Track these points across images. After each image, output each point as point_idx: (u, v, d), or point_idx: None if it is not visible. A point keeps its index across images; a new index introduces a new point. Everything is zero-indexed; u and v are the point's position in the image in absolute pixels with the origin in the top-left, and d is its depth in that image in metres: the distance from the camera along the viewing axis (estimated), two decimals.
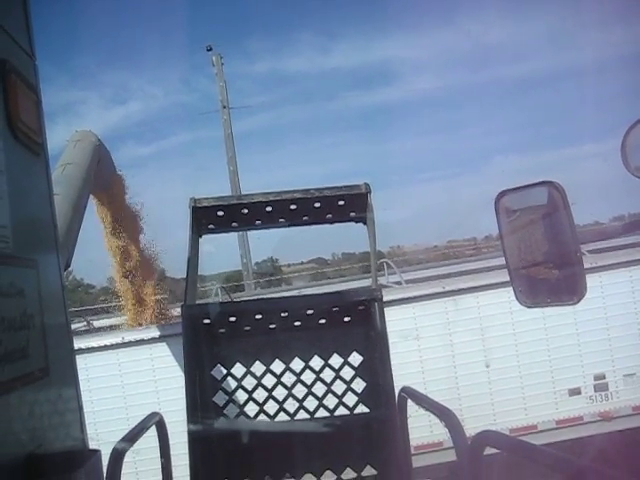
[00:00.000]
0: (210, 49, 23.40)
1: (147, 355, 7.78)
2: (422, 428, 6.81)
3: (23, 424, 1.33)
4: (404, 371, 5.75)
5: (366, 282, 11.61)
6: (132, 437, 2.55)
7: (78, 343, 7.36)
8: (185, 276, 3.46)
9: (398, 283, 10.33)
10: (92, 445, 1.89)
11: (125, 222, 11.65)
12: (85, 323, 11.86)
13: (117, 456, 2.39)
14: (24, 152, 1.53)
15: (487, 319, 7.83)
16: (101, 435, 6.83)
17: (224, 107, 22.67)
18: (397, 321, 7.31)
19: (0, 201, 1.33)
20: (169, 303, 12.96)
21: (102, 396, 7.27)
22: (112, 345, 7.78)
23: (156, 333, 7.93)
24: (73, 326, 11.37)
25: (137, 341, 7.83)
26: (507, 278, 2.60)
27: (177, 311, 11.85)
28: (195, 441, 3.17)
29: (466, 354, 7.82)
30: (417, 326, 7.86)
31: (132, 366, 7.76)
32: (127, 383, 7.72)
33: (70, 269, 9.63)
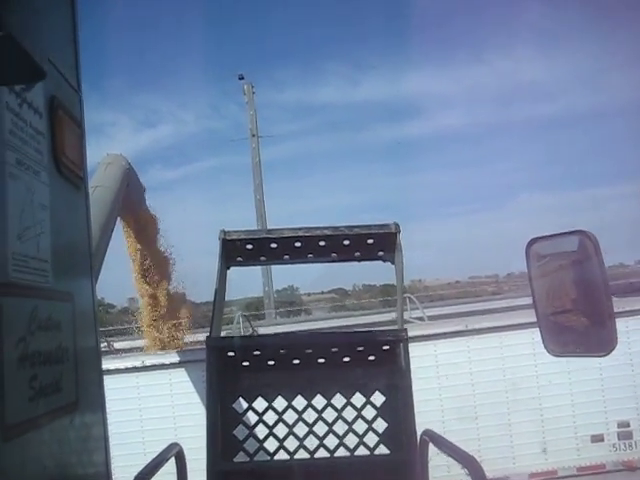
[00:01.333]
0: (242, 78, 23.81)
1: (166, 380, 7.78)
2: (440, 468, 6.70)
3: (52, 459, 1.34)
4: (423, 409, 5.69)
5: (387, 316, 11.59)
6: (151, 469, 2.53)
7: None
8: (212, 305, 3.48)
9: (420, 319, 10.27)
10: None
11: (155, 265, 12.01)
12: (105, 344, 11.95)
13: None
14: (67, 186, 1.56)
15: (510, 360, 7.73)
16: (116, 458, 6.85)
17: (253, 135, 22.90)
18: (418, 358, 7.24)
19: (42, 235, 1.35)
20: (188, 328, 13.04)
21: (119, 419, 7.27)
22: (132, 368, 7.81)
23: (175, 358, 7.94)
24: None
25: (157, 365, 7.85)
26: (531, 319, 2.58)
27: (195, 337, 11.97)
28: (214, 474, 3.15)
29: (487, 394, 7.71)
30: (438, 364, 7.78)
31: (151, 390, 7.77)
32: (145, 407, 7.72)
33: None
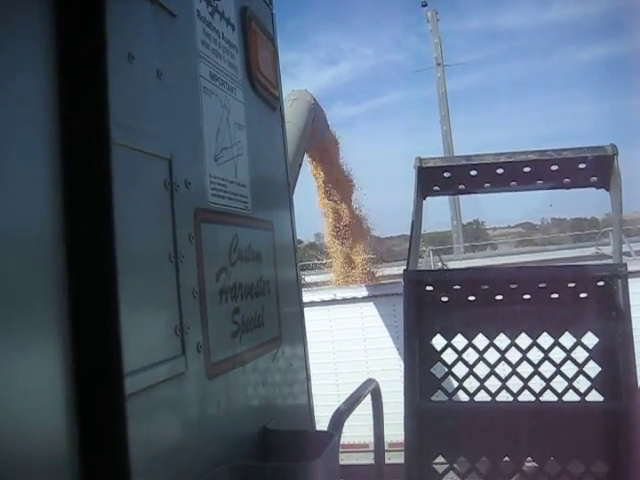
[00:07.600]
0: (425, 4, 22.86)
1: (357, 313, 7.84)
2: None
3: (258, 396, 1.26)
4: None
5: (580, 252, 10.83)
6: (350, 405, 2.47)
7: None
8: (408, 239, 3.35)
9: (627, 254, 9.44)
10: None
11: (338, 183, 11.97)
12: None
13: (336, 424, 2.32)
14: (262, 106, 1.44)
15: None
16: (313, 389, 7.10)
17: (438, 64, 22.02)
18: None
19: (240, 158, 1.24)
20: (374, 263, 13.08)
21: (313, 350, 7.51)
22: (325, 301, 7.94)
23: (365, 292, 7.95)
24: None
25: (349, 299, 7.92)
26: None
27: (381, 273, 11.98)
28: (411, 412, 3.04)
29: None
30: None
31: (343, 323, 7.87)
32: (337, 339, 7.86)
33: None
